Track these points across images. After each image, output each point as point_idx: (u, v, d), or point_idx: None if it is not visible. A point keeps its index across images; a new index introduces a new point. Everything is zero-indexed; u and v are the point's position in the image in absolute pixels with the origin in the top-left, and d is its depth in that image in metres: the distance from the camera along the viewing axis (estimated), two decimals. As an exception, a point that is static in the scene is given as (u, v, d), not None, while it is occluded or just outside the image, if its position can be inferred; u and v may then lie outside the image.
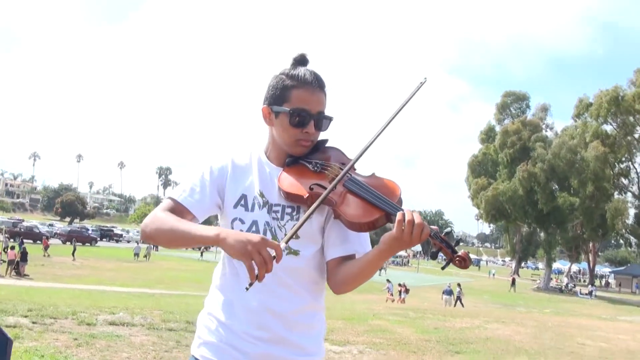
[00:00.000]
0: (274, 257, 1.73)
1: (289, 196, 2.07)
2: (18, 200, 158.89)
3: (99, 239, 65.28)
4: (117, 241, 71.97)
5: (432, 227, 1.86)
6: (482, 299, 36.45)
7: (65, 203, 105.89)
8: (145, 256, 47.36)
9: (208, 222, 2.37)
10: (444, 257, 1.86)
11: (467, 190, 69.68)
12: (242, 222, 2.10)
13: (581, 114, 61.82)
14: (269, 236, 2.05)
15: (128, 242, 69.93)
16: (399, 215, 1.82)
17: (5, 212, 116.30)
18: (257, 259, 1.71)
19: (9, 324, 7.71)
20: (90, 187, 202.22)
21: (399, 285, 31.35)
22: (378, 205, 1.93)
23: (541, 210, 58.34)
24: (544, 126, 66.94)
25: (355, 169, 2.09)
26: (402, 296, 29.84)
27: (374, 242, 1.99)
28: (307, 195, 2.03)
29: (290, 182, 2.08)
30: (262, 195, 2.12)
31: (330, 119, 2.15)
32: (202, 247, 47.58)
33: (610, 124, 59.32)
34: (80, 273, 30.61)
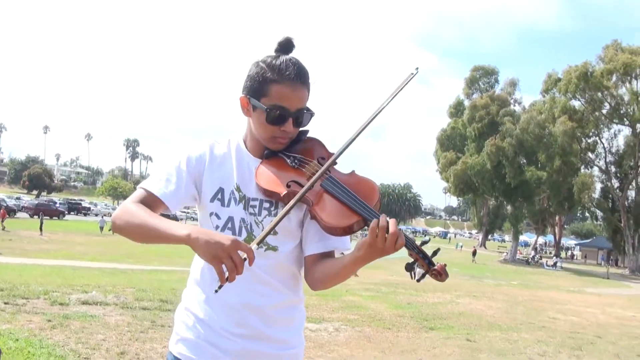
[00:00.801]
0: (245, 259, 1.67)
1: (265, 192, 2.02)
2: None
3: (66, 212, 64.59)
4: (85, 214, 71.26)
5: (409, 236, 1.81)
6: (451, 272, 35.01)
7: (32, 176, 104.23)
8: (110, 229, 46.98)
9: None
10: (421, 269, 1.81)
11: (435, 163, 70.19)
12: (218, 217, 2.04)
13: (550, 89, 62.25)
14: (244, 233, 2.01)
15: (96, 215, 69.10)
16: (373, 223, 1.77)
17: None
18: (228, 264, 1.64)
19: (-20, 305, 7.60)
20: (58, 159, 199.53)
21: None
22: (355, 210, 1.87)
23: (509, 184, 58.93)
24: (512, 101, 67.44)
25: (335, 164, 2.01)
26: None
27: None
28: (285, 192, 1.97)
29: (267, 177, 2.02)
30: (239, 189, 2.05)
31: (311, 113, 2.06)
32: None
33: (579, 100, 59.82)
34: (49, 248, 30.23)
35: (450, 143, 68.58)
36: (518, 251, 68.19)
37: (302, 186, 1.94)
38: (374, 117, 1.98)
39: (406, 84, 1.99)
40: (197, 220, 2.20)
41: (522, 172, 58.85)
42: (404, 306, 12.04)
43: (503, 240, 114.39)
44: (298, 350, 2.11)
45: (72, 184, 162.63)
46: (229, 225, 2.02)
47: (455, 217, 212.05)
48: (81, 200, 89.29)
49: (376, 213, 1.85)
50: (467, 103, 67.95)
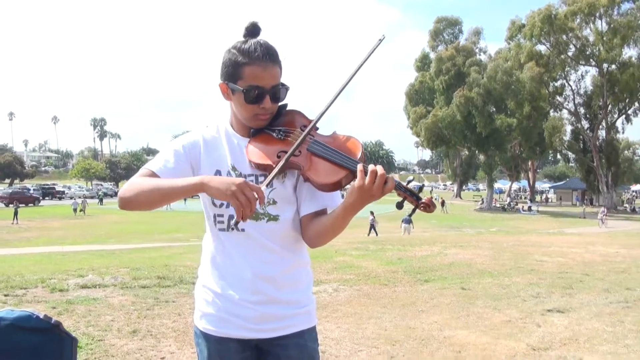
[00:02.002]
0: (257, 199, 1.83)
1: (258, 167, 2.14)
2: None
3: (41, 198, 63.95)
4: (59, 198, 70.60)
5: (395, 179, 1.95)
6: (431, 224, 37.24)
7: (3, 165, 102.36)
8: (81, 210, 47.39)
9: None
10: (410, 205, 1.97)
11: (405, 119, 70.31)
12: None
13: (514, 35, 62.49)
14: None
15: (71, 198, 68.56)
16: (359, 166, 1.92)
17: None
18: (242, 199, 1.80)
19: (-20, 298, 7.56)
20: (26, 145, 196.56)
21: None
22: (342, 164, 2.02)
23: (480, 134, 59.37)
24: (477, 50, 67.62)
25: (317, 128, 2.16)
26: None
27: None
28: (275, 163, 2.09)
29: (257, 153, 2.14)
30: (234, 169, 2.18)
31: (286, 88, 2.17)
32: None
33: (544, 44, 60.15)
34: (29, 235, 29.97)
35: (419, 97, 68.77)
36: (493, 199, 68.92)
37: None
38: (346, 85, 2.10)
39: (374, 51, 2.09)
40: None
41: (492, 120, 59.23)
42: (395, 262, 12.20)
43: (478, 189, 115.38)
44: (310, 308, 2.28)
45: (43, 169, 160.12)
46: (230, 204, 2.09)
47: (428, 170, 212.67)
48: (54, 184, 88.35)
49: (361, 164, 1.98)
50: (432, 56, 67.92)
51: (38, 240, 27.12)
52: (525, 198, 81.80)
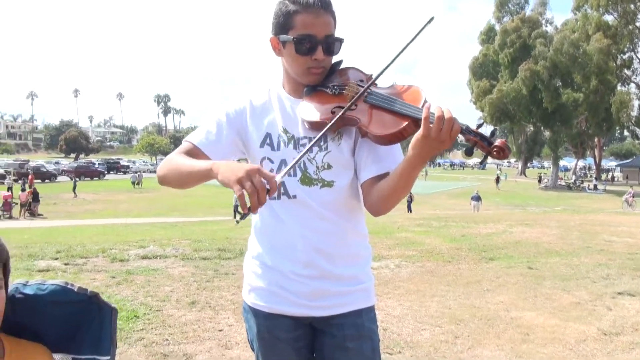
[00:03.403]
0: (269, 189, 1.61)
1: (311, 125, 1.98)
2: (21, 141, 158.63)
3: (106, 172, 65.49)
4: (124, 173, 72.07)
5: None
6: (494, 202, 36.63)
7: (68, 139, 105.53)
8: (138, 183, 49.34)
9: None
10: (481, 151, 1.76)
11: (469, 93, 68.94)
12: (271, 161, 2.04)
13: (581, 5, 60.14)
14: (298, 173, 2.00)
15: (135, 172, 70.26)
16: (424, 112, 1.69)
17: (9, 154, 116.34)
18: (248, 186, 1.57)
19: (42, 267, 7.68)
20: (91, 121, 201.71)
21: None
22: (404, 113, 1.83)
23: (546, 109, 57.66)
24: (543, 21, 65.31)
25: (376, 85, 1.97)
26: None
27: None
28: (329, 120, 1.92)
29: (310, 111, 1.99)
30: (285, 131, 2.04)
31: (340, 40, 2.00)
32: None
33: (611, 14, 57.85)
34: (94, 208, 30.76)
35: (484, 71, 67.05)
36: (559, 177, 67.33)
37: None
38: (392, 63, 1.89)
39: (421, 31, 1.89)
40: None
41: (558, 95, 57.40)
42: (458, 239, 11.93)
43: (542, 167, 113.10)
44: (368, 285, 2.11)
45: (108, 144, 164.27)
46: (282, 167, 2.00)
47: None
48: (119, 159, 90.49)
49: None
50: (498, 27, 66.23)
51: (103, 212, 27.80)
52: (590, 176, 79.68)
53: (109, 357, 1.57)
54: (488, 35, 68.90)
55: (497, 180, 54.72)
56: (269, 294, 2.05)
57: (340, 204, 2.01)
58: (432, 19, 1.87)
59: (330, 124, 1.86)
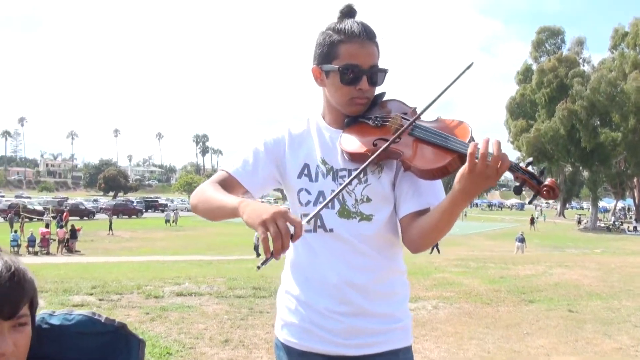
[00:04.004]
0: (292, 235, 1.55)
1: (352, 157, 1.94)
2: (60, 179, 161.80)
3: (144, 210, 66.16)
4: (162, 211, 72.69)
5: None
6: (533, 243, 36.00)
7: (107, 178, 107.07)
8: (173, 221, 49.95)
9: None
10: (530, 190, 1.72)
11: (506, 133, 68.48)
12: (309, 192, 1.99)
13: (618, 44, 59.73)
14: (337, 205, 1.94)
15: (172, 210, 70.95)
16: (470, 148, 1.62)
17: (49, 191, 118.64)
18: (272, 230, 1.52)
19: (76, 302, 7.72)
20: (130, 160, 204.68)
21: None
22: (449, 147, 1.77)
23: (584, 149, 56.95)
24: (580, 61, 64.96)
25: (419, 117, 1.90)
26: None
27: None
28: (372, 152, 1.87)
29: (351, 142, 1.95)
30: (324, 162, 2.00)
31: (385, 71, 1.97)
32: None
33: (648, 52, 57.24)
34: (131, 245, 31.03)
35: (521, 111, 66.64)
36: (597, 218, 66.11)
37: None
38: (431, 105, 1.86)
39: (460, 76, 1.83)
40: None
41: (596, 134, 56.69)
42: (497, 280, 11.70)
43: (581, 208, 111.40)
44: (405, 324, 2.02)
45: (147, 182, 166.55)
46: (320, 199, 1.95)
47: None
48: (157, 197, 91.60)
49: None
50: (535, 67, 65.96)
51: (140, 250, 28.01)
52: (630, 217, 78.09)
53: None
54: (525, 75, 68.63)
55: (532, 221, 53.99)
56: (302, 330, 1.99)
57: (378, 238, 1.95)
58: (471, 64, 1.83)
59: (374, 156, 1.81)
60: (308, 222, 1.75)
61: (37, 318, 1.47)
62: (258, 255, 24.47)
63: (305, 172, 2.01)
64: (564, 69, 60.48)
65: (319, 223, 1.93)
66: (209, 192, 1.91)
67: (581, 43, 66.67)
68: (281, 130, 2.09)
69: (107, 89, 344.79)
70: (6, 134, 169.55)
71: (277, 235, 1.51)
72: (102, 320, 1.51)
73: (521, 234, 31.49)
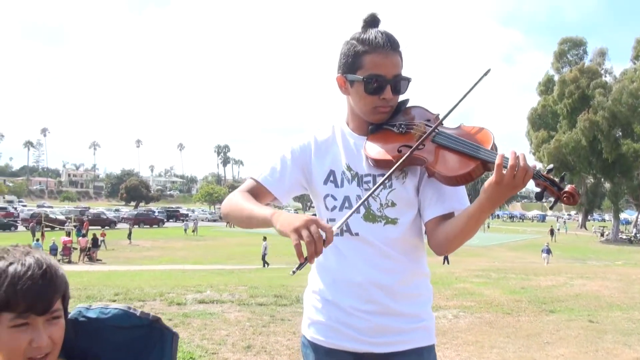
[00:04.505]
0: (325, 240, 1.62)
1: (377, 163, 1.99)
2: (82, 189, 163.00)
3: (165, 220, 66.44)
4: (183, 221, 73.09)
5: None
6: (555, 255, 35.69)
7: (129, 188, 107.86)
8: (193, 231, 50.60)
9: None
10: (551, 197, 1.76)
11: (528, 144, 68.01)
12: (334, 198, 2.05)
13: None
14: (362, 210, 2.00)
15: (193, 220, 71.17)
16: (498, 159, 1.69)
17: (71, 201, 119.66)
18: (305, 236, 1.60)
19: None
20: (152, 170, 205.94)
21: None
22: (473, 155, 1.83)
23: (606, 160, 56.35)
24: (602, 71, 64.24)
25: (442, 124, 1.96)
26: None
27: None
28: (396, 159, 1.93)
29: (376, 149, 2.00)
30: (349, 168, 2.05)
31: (408, 80, 2.03)
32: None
33: (671, 62, 56.65)
34: (152, 254, 31.20)
35: (542, 122, 66.10)
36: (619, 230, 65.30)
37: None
38: (448, 114, 1.91)
39: (478, 83, 1.88)
40: None
41: (618, 145, 55.99)
42: (518, 291, 11.66)
43: (603, 220, 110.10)
44: (429, 324, 2.08)
45: (168, 193, 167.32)
46: (346, 204, 2.01)
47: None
48: (179, 207, 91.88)
49: (495, 153, 1.77)
50: (556, 78, 65.49)
51: (161, 259, 28.16)
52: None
53: None
54: (546, 86, 68.07)
55: (552, 232, 53.53)
56: (329, 329, 2.04)
57: (403, 242, 2.01)
58: (488, 70, 1.88)
59: (399, 162, 1.87)
60: (338, 227, 1.80)
61: (74, 311, 1.55)
62: (264, 265, 24.62)
63: (331, 178, 2.07)
64: (586, 79, 59.95)
65: (345, 227, 1.99)
66: (239, 201, 1.99)
67: (603, 54, 66.05)
68: (307, 137, 2.16)
69: (129, 100, 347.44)
70: (29, 144, 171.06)
71: (311, 240, 1.59)
72: (138, 314, 1.58)
73: (547, 245, 31.68)
